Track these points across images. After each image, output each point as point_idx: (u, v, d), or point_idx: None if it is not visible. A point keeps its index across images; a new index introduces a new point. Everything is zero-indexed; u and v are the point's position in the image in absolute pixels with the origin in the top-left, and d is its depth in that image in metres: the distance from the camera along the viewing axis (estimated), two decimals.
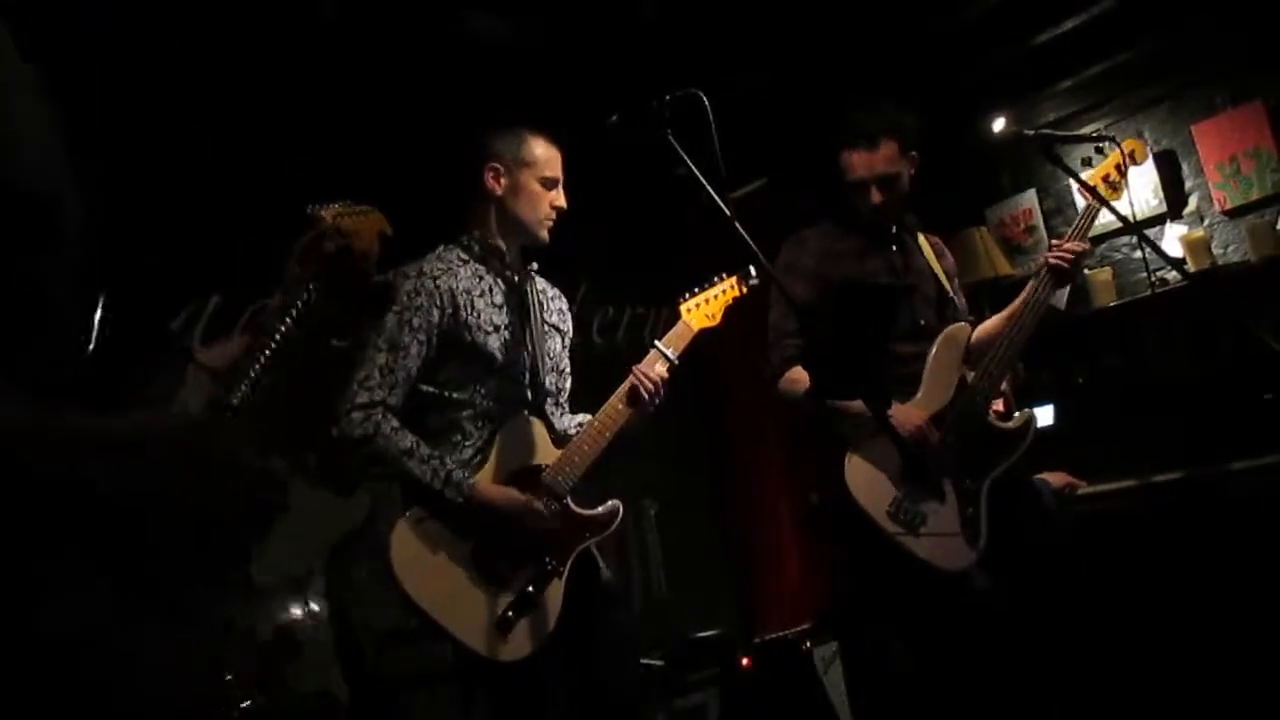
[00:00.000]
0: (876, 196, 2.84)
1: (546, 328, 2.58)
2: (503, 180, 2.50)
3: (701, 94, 1.98)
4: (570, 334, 2.72)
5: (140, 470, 1.27)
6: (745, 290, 2.67)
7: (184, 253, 3.49)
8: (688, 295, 2.65)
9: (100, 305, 1.42)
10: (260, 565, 1.46)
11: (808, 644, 3.78)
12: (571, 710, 2.37)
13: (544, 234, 2.54)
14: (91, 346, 1.40)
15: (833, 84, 4.20)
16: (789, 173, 4.57)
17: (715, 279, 2.68)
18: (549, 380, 2.52)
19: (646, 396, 2.44)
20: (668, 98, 2.02)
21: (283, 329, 1.58)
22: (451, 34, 3.56)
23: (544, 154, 2.52)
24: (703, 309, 2.63)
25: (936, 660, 2.68)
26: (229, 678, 1.43)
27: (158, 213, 3.48)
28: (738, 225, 1.93)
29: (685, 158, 1.99)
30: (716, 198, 1.94)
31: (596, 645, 2.38)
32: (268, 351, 1.56)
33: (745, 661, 3.92)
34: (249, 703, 1.41)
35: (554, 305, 2.67)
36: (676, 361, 2.53)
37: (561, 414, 2.58)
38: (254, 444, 1.41)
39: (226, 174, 3.57)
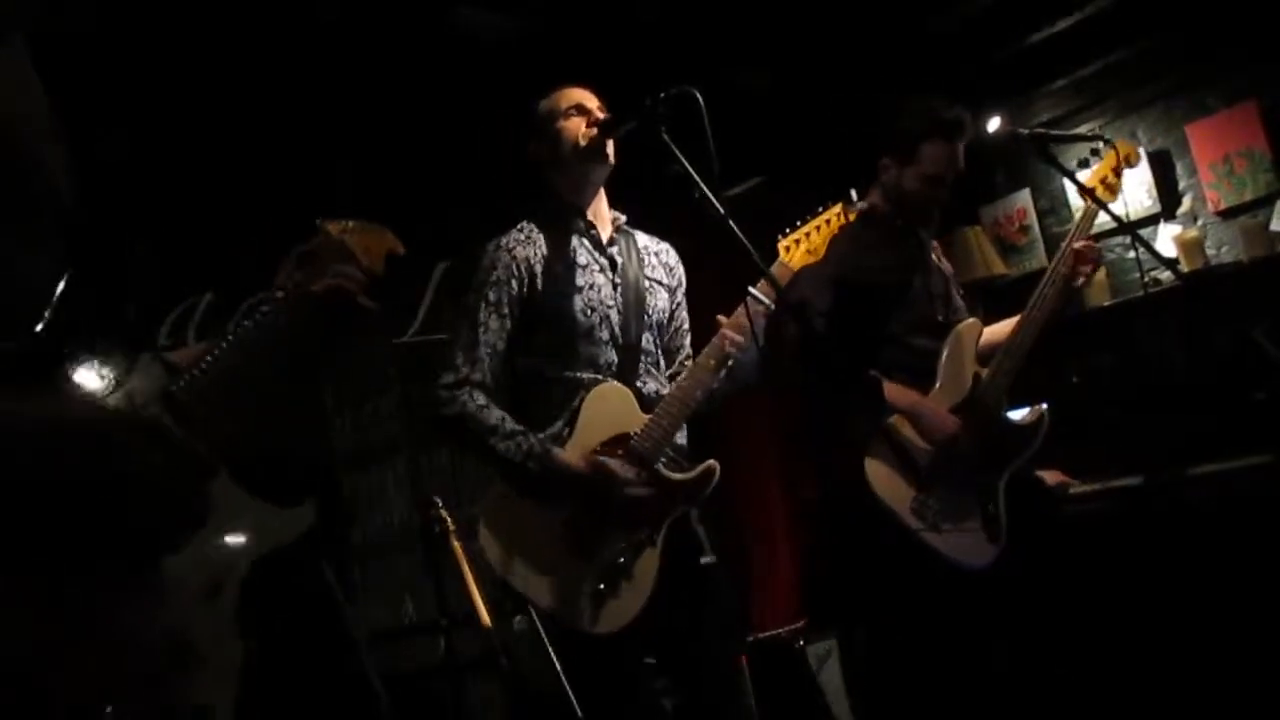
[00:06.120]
0: (946, 195, 2.81)
1: (647, 283, 2.42)
2: (543, 141, 2.41)
3: (695, 92, 1.97)
4: (682, 287, 2.55)
5: (41, 460, 1.20)
6: (850, 218, 2.39)
7: (180, 250, 3.50)
8: (787, 231, 2.36)
9: (62, 284, 1.38)
10: (166, 566, 1.39)
11: (801, 642, 3.79)
12: (671, 690, 2.32)
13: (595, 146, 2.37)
14: (42, 324, 1.36)
15: (828, 83, 4.21)
16: (786, 170, 4.58)
17: (818, 209, 2.39)
18: (645, 339, 2.39)
19: (735, 350, 2.25)
20: (662, 95, 2.03)
21: (241, 328, 1.56)
22: (451, 32, 3.57)
23: (561, 98, 2.41)
24: (803, 245, 2.35)
25: (940, 656, 2.66)
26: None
27: (155, 210, 3.49)
28: (731, 223, 1.94)
29: (679, 155, 2.00)
30: (710, 195, 1.94)
31: (694, 629, 2.30)
32: (222, 345, 1.54)
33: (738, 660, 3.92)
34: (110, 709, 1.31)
35: (658, 260, 2.51)
36: (773, 307, 2.28)
37: (660, 374, 2.42)
38: (169, 448, 1.38)
39: (224, 172, 3.58)
